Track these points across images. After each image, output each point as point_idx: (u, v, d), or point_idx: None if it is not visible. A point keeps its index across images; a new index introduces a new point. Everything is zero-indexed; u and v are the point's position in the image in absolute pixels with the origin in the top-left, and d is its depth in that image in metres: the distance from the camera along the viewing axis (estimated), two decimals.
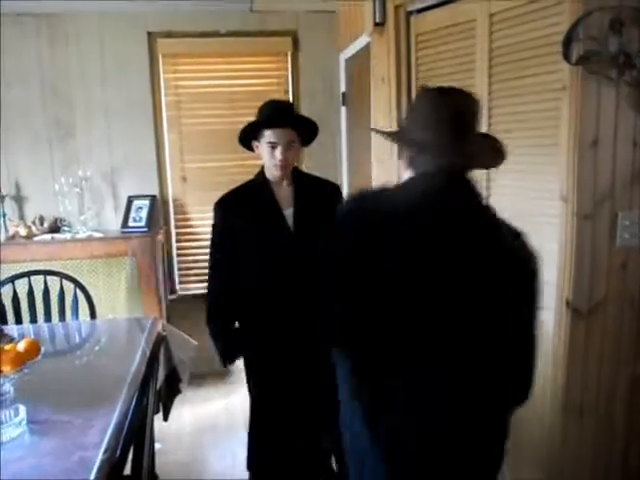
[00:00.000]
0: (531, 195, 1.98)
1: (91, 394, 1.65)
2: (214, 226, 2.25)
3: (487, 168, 1.49)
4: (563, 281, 1.84)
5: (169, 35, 3.51)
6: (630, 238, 1.80)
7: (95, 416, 1.48)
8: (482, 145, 1.32)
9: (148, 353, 2.00)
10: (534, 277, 1.25)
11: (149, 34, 3.48)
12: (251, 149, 2.18)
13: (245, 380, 2.42)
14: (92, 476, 1.22)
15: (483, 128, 1.85)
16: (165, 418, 2.43)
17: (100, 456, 1.29)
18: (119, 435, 1.41)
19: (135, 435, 1.48)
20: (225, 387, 3.67)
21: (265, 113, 2.09)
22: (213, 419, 3.27)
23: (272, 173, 2.11)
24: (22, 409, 1.47)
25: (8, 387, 1.64)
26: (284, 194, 2.15)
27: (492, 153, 1.33)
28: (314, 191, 2.19)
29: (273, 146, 2.04)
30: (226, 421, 3.24)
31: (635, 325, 1.83)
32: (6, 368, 1.56)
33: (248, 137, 2.12)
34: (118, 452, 1.34)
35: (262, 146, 2.08)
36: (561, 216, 1.82)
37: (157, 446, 2.85)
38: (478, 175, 1.34)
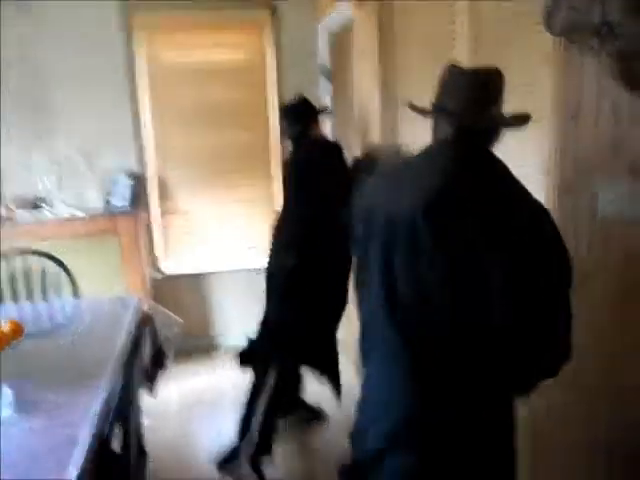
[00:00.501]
0: (515, 170, 1.98)
1: (76, 373, 1.64)
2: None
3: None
4: None
5: (146, 7, 3.42)
6: (611, 211, 1.81)
7: (80, 395, 1.48)
8: (502, 119, 1.34)
9: (133, 332, 2.01)
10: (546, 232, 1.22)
11: (125, 5, 3.39)
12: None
13: None
14: (80, 454, 1.22)
15: None
16: (152, 394, 2.44)
17: (87, 434, 1.29)
18: (106, 413, 1.41)
19: (122, 412, 1.49)
20: (211, 362, 3.69)
21: None
22: (199, 394, 3.30)
23: None
24: (8, 391, 1.47)
25: None
26: None
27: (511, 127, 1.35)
28: None
29: None
30: (212, 396, 3.27)
31: (619, 298, 1.85)
32: None
33: None
34: (106, 430, 1.34)
35: None
36: (544, 190, 1.83)
37: (145, 422, 2.88)
38: None
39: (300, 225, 2.56)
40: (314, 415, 2.97)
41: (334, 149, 2.60)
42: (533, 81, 1.84)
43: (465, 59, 2.10)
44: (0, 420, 1.38)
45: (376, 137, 2.66)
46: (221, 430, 2.89)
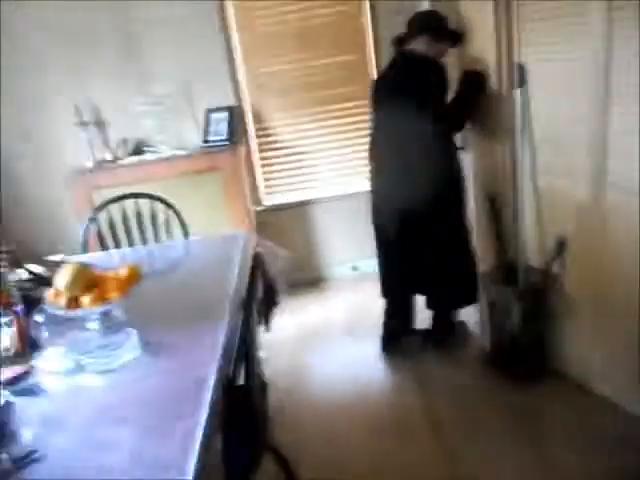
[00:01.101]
0: None
1: (195, 314, 1.64)
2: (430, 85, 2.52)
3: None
4: None
5: None
6: None
7: (203, 335, 1.48)
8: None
9: (246, 269, 1.98)
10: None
11: None
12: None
13: None
14: (209, 394, 1.21)
15: None
16: (267, 329, 2.47)
17: (214, 374, 1.28)
18: (229, 352, 1.40)
19: (243, 350, 1.47)
20: (320, 294, 3.70)
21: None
22: (312, 326, 3.32)
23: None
24: (134, 332, 1.49)
25: (119, 312, 1.68)
26: None
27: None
28: None
29: None
30: (325, 327, 3.28)
31: None
32: (113, 295, 1.59)
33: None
34: (231, 368, 1.32)
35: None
36: None
37: (262, 354, 2.96)
38: None
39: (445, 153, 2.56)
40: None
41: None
42: None
43: None
44: (131, 362, 1.41)
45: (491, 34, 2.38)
46: (336, 359, 2.92)
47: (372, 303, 3.33)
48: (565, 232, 2.26)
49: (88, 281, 1.63)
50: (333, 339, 3.13)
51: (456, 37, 2.60)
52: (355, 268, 3.89)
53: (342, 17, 3.43)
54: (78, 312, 1.58)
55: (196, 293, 1.83)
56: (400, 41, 2.60)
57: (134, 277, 1.68)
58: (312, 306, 3.56)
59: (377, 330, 2.92)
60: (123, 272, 1.69)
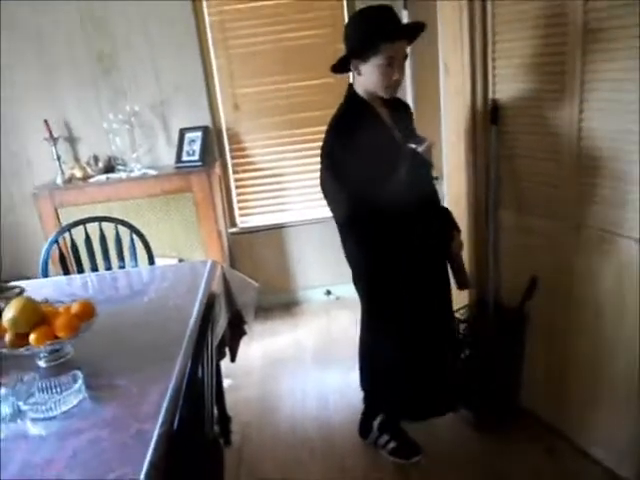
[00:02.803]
0: None
1: (149, 354, 1.57)
2: (334, 154, 1.91)
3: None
4: None
5: None
6: None
7: (153, 381, 1.40)
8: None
9: (209, 300, 1.91)
10: None
11: None
12: (343, 71, 1.96)
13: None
14: (149, 452, 1.14)
15: None
16: (232, 360, 2.40)
17: (158, 429, 1.21)
18: (176, 402, 1.32)
19: (197, 392, 1.41)
20: (292, 319, 3.63)
21: (378, 23, 1.78)
22: (281, 352, 3.25)
23: (384, 93, 1.89)
24: (79, 375, 1.41)
25: (69, 349, 1.61)
26: (383, 113, 1.97)
27: None
28: (401, 109, 2.07)
29: (389, 63, 1.79)
30: (294, 354, 3.21)
31: None
32: (62, 333, 1.51)
33: (353, 55, 1.85)
34: (176, 423, 1.25)
35: (371, 64, 1.82)
36: None
37: (227, 382, 2.88)
38: None
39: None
40: None
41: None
42: None
43: None
44: (74, 408, 1.34)
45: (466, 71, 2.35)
46: (304, 389, 2.84)
47: (344, 329, 3.28)
48: (537, 271, 2.23)
49: (37, 317, 1.56)
50: (303, 367, 3.06)
51: (383, 35, 1.78)
52: (329, 292, 3.83)
53: (320, 40, 3.40)
54: (22, 350, 1.51)
55: (153, 328, 1.76)
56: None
57: (86, 313, 1.61)
58: (283, 331, 3.49)
59: (348, 359, 2.81)
60: (75, 307, 1.62)
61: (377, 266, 1.98)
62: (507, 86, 2.19)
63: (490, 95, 2.27)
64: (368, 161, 1.82)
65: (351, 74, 1.98)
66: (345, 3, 3.35)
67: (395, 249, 1.92)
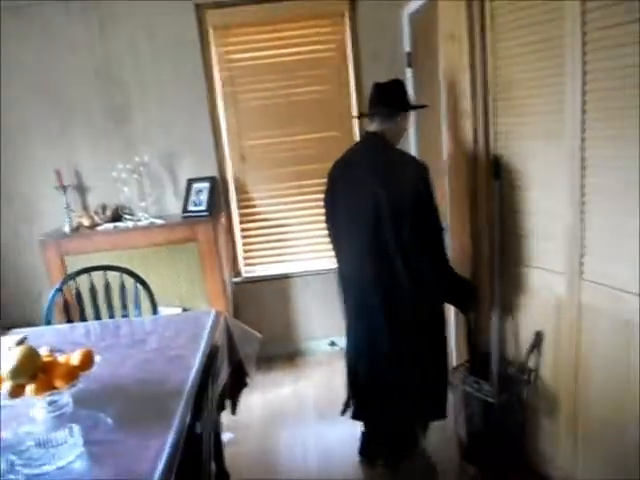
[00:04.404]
0: None
1: (147, 408, 1.55)
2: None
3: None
4: None
5: (218, 5, 3.32)
6: None
7: (150, 438, 1.38)
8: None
9: (211, 351, 1.90)
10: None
11: (197, 6, 3.31)
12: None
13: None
14: None
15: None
16: (233, 412, 2.36)
17: None
18: (174, 459, 1.29)
19: (196, 448, 1.38)
20: (294, 371, 3.57)
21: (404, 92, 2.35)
22: (283, 405, 3.18)
23: (402, 139, 2.40)
24: (76, 429, 1.39)
25: (67, 399, 1.58)
26: None
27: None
28: None
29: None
30: (296, 407, 3.14)
31: None
32: (59, 383, 1.49)
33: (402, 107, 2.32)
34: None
35: (409, 117, 2.41)
36: None
37: (227, 436, 2.81)
38: None
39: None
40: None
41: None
42: None
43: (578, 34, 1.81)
44: (69, 464, 1.31)
45: (468, 127, 2.39)
46: (306, 443, 2.77)
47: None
48: (542, 326, 2.21)
49: (36, 367, 1.54)
50: (304, 421, 2.99)
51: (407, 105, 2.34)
52: (333, 344, 3.79)
53: (327, 95, 3.49)
54: (19, 401, 1.49)
55: (154, 379, 1.74)
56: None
57: (86, 363, 1.60)
58: (285, 383, 3.43)
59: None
60: (75, 357, 1.61)
61: None
62: (509, 143, 2.23)
63: (492, 151, 2.31)
64: None
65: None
66: (351, 64, 3.46)
67: None
